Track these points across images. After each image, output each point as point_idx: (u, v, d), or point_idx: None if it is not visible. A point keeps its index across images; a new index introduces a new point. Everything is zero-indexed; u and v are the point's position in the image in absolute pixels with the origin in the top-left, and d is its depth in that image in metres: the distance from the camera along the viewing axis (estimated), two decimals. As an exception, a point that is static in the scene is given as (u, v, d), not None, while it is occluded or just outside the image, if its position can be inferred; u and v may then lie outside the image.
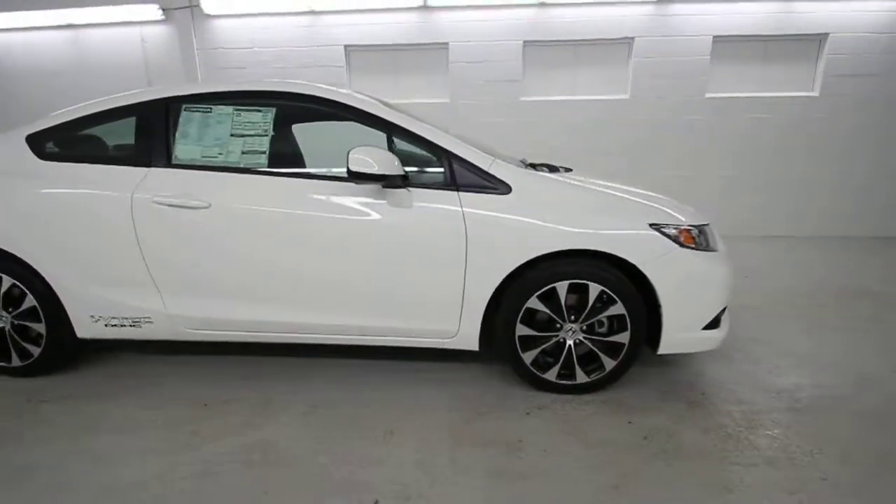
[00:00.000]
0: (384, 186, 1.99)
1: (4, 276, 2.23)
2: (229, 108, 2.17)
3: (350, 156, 1.88)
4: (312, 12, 5.35)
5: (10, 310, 2.28)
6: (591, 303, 2.03)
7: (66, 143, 2.31)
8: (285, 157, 2.40)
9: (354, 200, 2.03)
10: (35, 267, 2.18)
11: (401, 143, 2.18)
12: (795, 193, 5.44)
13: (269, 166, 2.12)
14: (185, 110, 2.18)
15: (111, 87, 5.63)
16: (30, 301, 2.24)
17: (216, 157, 2.14)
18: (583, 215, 2.01)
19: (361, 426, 1.96)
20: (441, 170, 2.06)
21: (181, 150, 2.15)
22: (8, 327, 2.30)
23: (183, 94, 2.20)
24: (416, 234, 2.02)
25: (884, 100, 5.07)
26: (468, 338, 2.12)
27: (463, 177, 2.03)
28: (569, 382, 2.14)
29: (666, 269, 1.98)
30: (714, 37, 5.10)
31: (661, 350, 2.08)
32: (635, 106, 5.36)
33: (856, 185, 5.36)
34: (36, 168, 2.21)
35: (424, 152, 2.11)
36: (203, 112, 2.18)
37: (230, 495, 1.59)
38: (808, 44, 5.13)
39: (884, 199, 5.38)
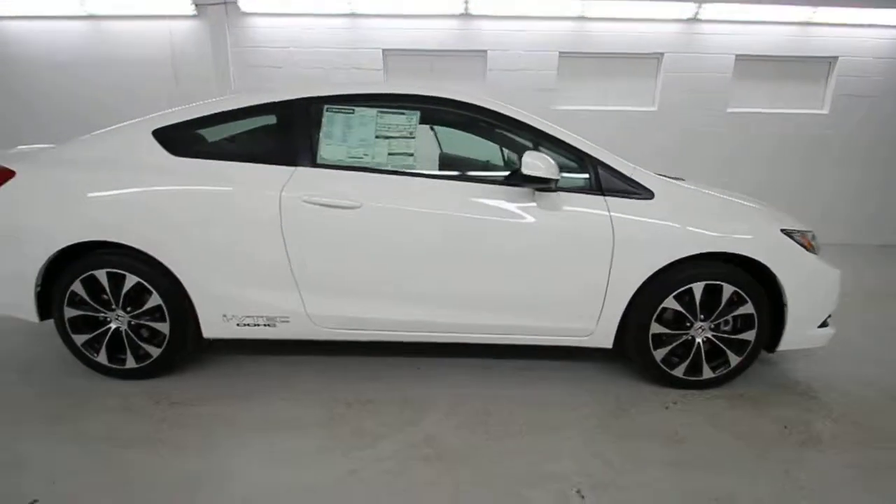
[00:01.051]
0: (538, 190, 2.07)
1: (128, 275, 2.15)
2: (372, 111, 2.19)
3: (524, 160, 1.95)
4: (353, 15, 5.34)
5: (129, 309, 2.21)
6: (723, 303, 2.17)
7: (196, 139, 2.27)
8: (429, 159, 2.43)
9: (507, 203, 2.09)
10: (167, 265, 2.13)
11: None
12: (807, 203, 5.84)
13: (416, 168, 2.16)
14: (327, 111, 2.19)
15: (134, 80, 5.50)
16: (154, 300, 2.18)
17: (362, 157, 2.16)
18: (719, 221, 2.15)
19: (514, 422, 2.02)
20: (585, 175, 2.16)
21: (326, 151, 2.16)
22: (125, 327, 2.23)
23: (324, 94, 2.21)
24: (565, 236, 2.11)
25: (885, 119, 5.54)
26: (604, 336, 2.22)
27: (609, 182, 2.13)
28: (694, 378, 2.27)
29: (793, 271, 2.15)
30: (736, 55, 5.43)
31: (782, 347, 2.24)
32: (663, 118, 5.63)
33: (861, 197, 5.81)
34: (168, 164, 2.16)
35: (565, 158, 2.20)
36: (346, 113, 2.19)
37: (430, 490, 1.62)
38: (820, 65, 5.54)
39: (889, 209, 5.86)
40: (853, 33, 5.33)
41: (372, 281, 2.16)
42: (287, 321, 2.21)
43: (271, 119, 2.23)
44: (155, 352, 2.25)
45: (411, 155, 2.16)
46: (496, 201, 2.10)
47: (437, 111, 2.29)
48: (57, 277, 2.19)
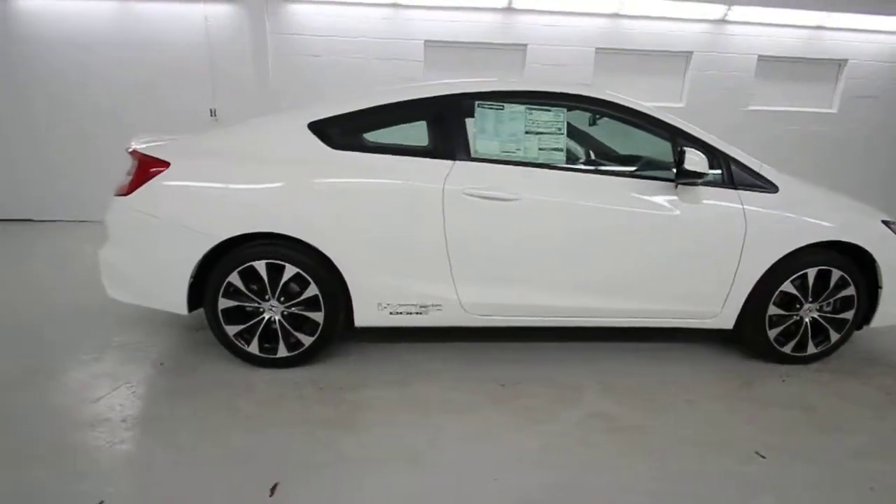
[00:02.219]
0: (684, 184, 2.25)
1: (288, 265, 2.20)
2: (521, 107, 2.30)
3: (688, 156, 2.11)
4: (395, 5, 5.34)
5: (282, 299, 2.25)
6: (831, 286, 2.42)
7: (352, 132, 2.31)
8: (575, 154, 2.55)
9: (654, 197, 2.26)
10: (329, 255, 2.19)
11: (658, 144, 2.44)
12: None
13: (565, 163, 2.29)
14: (478, 107, 2.28)
15: (168, 64, 5.32)
16: (311, 290, 2.23)
17: (515, 152, 2.27)
18: (832, 212, 2.40)
19: (663, 397, 2.21)
20: (718, 171, 2.34)
21: (481, 145, 2.26)
22: (278, 317, 2.27)
23: (476, 91, 2.30)
24: (704, 226, 2.30)
25: (889, 118, 6.04)
26: (726, 318, 2.44)
27: (740, 177, 2.33)
28: (800, 354, 2.52)
29: (889, 257, 2.42)
30: (759, 56, 5.78)
31: (874, 323, 2.52)
32: (689, 114, 5.85)
33: (864, 192, 6.31)
34: (327, 157, 2.21)
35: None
36: (496, 109, 2.29)
37: (630, 456, 1.79)
38: (830, 67, 5.97)
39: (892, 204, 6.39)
40: (861, 38, 5.76)
41: (523, 270, 2.29)
42: (440, 309, 2.31)
43: (426, 114, 2.30)
44: (307, 340, 2.30)
45: (561, 150, 2.29)
46: (643, 195, 2.26)
47: (579, 108, 2.41)
48: (209, 269, 2.21)
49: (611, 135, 2.57)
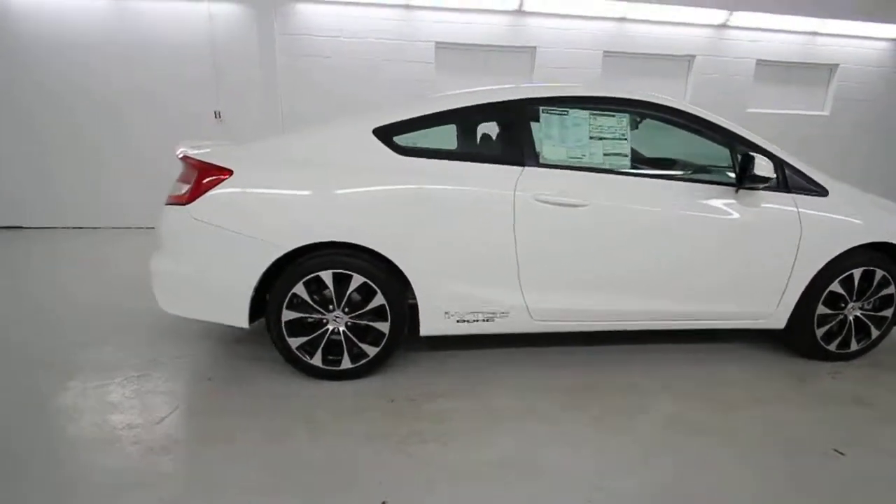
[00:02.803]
0: (743, 189, 2.29)
1: (355, 275, 2.14)
2: (585, 112, 2.30)
3: (757, 162, 2.15)
4: (406, 6, 5.29)
5: (346, 310, 2.20)
6: (874, 285, 2.52)
7: (417, 138, 2.27)
8: (637, 159, 2.56)
9: (715, 201, 2.30)
10: (398, 264, 2.14)
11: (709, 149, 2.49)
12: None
13: (614, 168, 2.30)
14: (543, 112, 2.27)
15: (170, 65, 5.13)
16: (378, 300, 2.18)
17: (580, 157, 2.27)
18: (879, 215, 2.49)
19: (729, 398, 2.25)
20: (773, 175, 2.39)
21: (548, 151, 2.25)
22: (342, 328, 2.21)
23: (541, 96, 2.29)
24: (763, 229, 2.35)
25: (877, 120, 6.34)
26: (779, 318, 2.50)
27: (794, 181, 2.39)
28: (843, 351, 2.61)
29: (926, 257, 2.54)
30: (757, 60, 5.98)
31: (910, 320, 2.64)
32: (692, 116, 6.07)
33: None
34: (394, 163, 2.16)
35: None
36: (560, 115, 2.29)
37: (716, 453, 1.82)
38: (823, 71, 6.22)
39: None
40: (852, 44, 6.03)
41: (589, 275, 2.30)
42: (506, 316, 2.29)
43: (492, 119, 2.28)
44: (372, 351, 2.25)
45: (626, 155, 2.30)
46: (705, 199, 2.30)
47: (641, 113, 2.43)
48: (272, 280, 2.13)
49: (650, 139, 2.61)
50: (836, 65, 6.13)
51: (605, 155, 2.29)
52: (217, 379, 2.30)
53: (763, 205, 2.34)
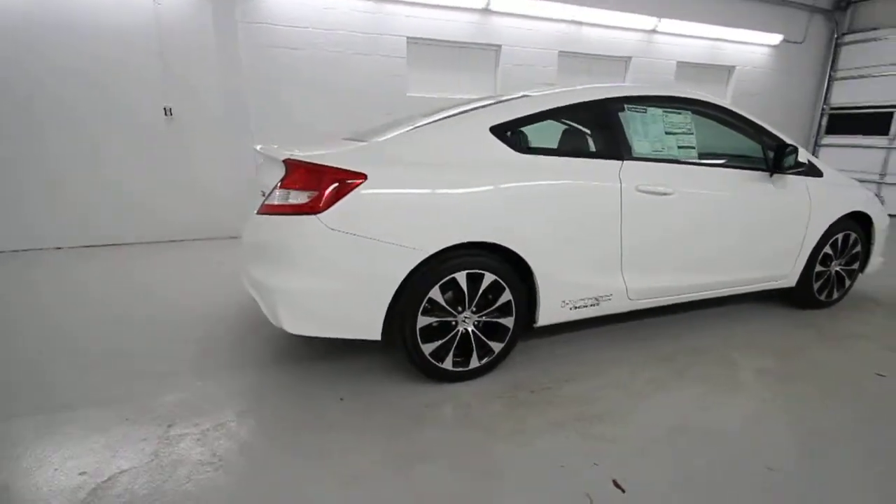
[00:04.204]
0: (776, 173, 2.75)
1: (486, 273, 2.15)
2: (659, 110, 2.56)
3: (800, 151, 2.58)
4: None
5: (474, 310, 2.20)
6: (849, 245, 3.19)
7: (527, 135, 2.31)
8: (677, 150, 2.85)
9: (759, 184, 2.73)
10: (526, 259, 2.20)
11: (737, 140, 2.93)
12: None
13: (687, 159, 2.61)
14: (628, 110, 2.48)
15: (103, 52, 4.41)
16: (505, 296, 2.22)
17: (662, 151, 2.53)
18: (855, 190, 3.14)
19: (778, 348, 2.70)
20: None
21: (637, 145, 2.46)
22: (471, 328, 2.21)
23: (626, 95, 2.50)
24: (789, 205, 2.85)
25: (765, 111, 7.68)
26: (793, 278, 3.05)
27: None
28: (829, 300, 3.27)
29: (879, 221, 3.24)
30: (678, 62, 6.89)
31: (867, 271, 3.37)
32: (630, 110, 6.80)
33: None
34: (514, 161, 2.20)
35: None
36: (640, 112, 2.52)
37: (800, 397, 2.22)
38: (723, 72, 7.38)
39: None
40: (746, 49, 7.25)
41: (675, 255, 2.58)
42: (609, 298, 2.48)
43: (593, 115, 2.42)
44: (497, 347, 2.29)
45: (694, 148, 2.61)
46: (753, 183, 2.72)
47: (694, 111, 2.75)
48: (406, 285, 2.05)
49: (714, 133, 2.99)
50: (734, 66, 7.33)
51: (679, 147, 2.58)
52: (349, 398, 2.14)
53: (788, 186, 2.84)
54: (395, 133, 2.23)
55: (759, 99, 7.55)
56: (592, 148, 2.42)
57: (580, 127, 2.46)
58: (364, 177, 1.93)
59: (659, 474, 1.69)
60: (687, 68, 7.06)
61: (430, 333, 2.14)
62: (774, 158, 2.74)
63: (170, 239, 4.98)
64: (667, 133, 2.57)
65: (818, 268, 3.12)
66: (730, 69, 7.38)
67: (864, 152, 7.39)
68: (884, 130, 7.25)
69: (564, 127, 2.47)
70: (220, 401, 2.10)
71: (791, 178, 2.86)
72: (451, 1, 5.39)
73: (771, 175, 2.78)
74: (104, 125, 4.55)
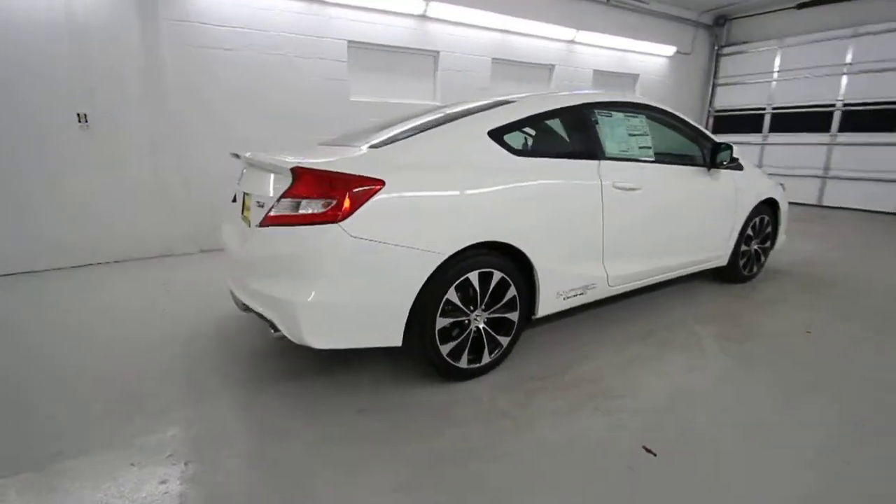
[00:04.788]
0: (713, 168, 3.18)
1: (495, 272, 2.25)
2: (621, 114, 2.85)
3: (734, 150, 3.01)
4: (318, 1, 4.99)
5: (483, 307, 2.29)
6: (764, 226, 3.78)
7: (518, 138, 2.43)
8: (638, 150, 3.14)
9: (701, 178, 3.14)
10: (529, 256, 2.34)
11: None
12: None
13: (646, 158, 2.94)
14: (598, 114, 2.73)
15: (17, 53, 3.86)
16: (511, 292, 2.34)
17: (626, 150, 2.81)
18: (766, 180, 3.73)
19: (727, 315, 3.15)
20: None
21: (608, 146, 2.72)
22: (482, 325, 2.30)
23: (598, 100, 2.76)
24: (723, 195, 3.31)
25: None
26: (725, 257, 3.54)
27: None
28: (750, 274, 3.84)
29: (783, 205, 3.90)
30: (594, 70, 7.55)
31: (776, 247, 4.02)
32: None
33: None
34: (510, 163, 2.33)
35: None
36: (608, 116, 2.78)
37: (754, 354, 2.63)
38: (630, 79, 8.22)
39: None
40: (647, 59, 8.14)
41: (644, 243, 2.89)
42: (594, 287, 2.70)
43: (570, 120, 2.62)
44: (505, 341, 2.40)
45: (650, 148, 2.94)
46: (696, 177, 3.13)
47: (648, 115, 3.08)
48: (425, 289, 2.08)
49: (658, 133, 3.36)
50: (638, 74, 8.21)
51: (639, 148, 2.89)
52: (369, 410, 2.11)
53: (720, 179, 3.30)
54: (386, 137, 2.26)
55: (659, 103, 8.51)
56: (575, 149, 2.63)
57: (564, 130, 2.66)
58: (382, 183, 1.94)
59: (675, 434, 1.92)
60: (601, 76, 7.76)
61: (445, 334, 2.19)
62: (711, 155, 3.18)
63: (88, 262, 4.41)
64: (629, 135, 2.87)
65: (743, 247, 3.66)
66: (635, 77, 8.24)
67: (745, 149, 8.67)
68: (758, 129, 8.59)
69: (549, 130, 2.65)
70: (232, 427, 1.97)
71: (723, 172, 3.33)
72: (390, 6, 5.41)
73: (709, 170, 3.22)
74: (6, 134, 3.91)
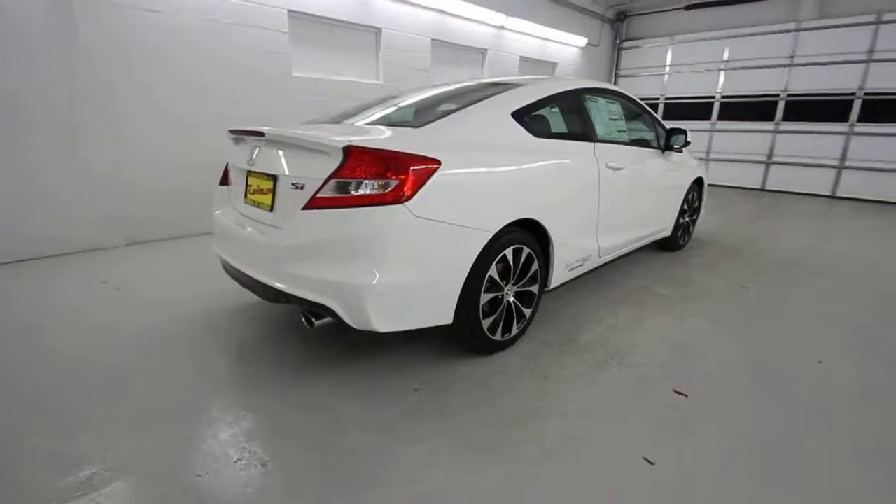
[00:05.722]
0: (666, 150, 3.63)
1: (524, 248, 2.38)
2: (603, 100, 3.11)
3: (688, 135, 3.45)
4: (254, -36, 4.53)
5: (513, 281, 2.42)
6: (693, 200, 4.41)
7: (536, 120, 2.54)
8: (617, 133, 3.42)
9: (658, 159, 3.57)
10: (549, 232, 2.50)
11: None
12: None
13: (624, 140, 3.26)
14: (588, 99, 2.95)
15: None
16: (534, 266, 2.49)
17: (610, 133, 3.10)
18: (695, 161, 4.32)
19: (678, 278, 3.66)
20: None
21: (598, 129, 2.96)
22: (511, 298, 2.43)
23: (587, 86, 2.98)
24: (673, 173, 3.80)
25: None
26: (669, 229, 4.08)
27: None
28: (684, 243, 4.48)
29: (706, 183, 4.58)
30: (520, 57, 7.90)
31: (700, 219, 4.72)
32: (489, 98, 7.55)
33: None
34: (531, 143, 2.46)
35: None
36: (594, 102, 3.02)
37: (708, 308, 3.14)
38: (549, 67, 8.75)
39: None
40: (564, 48, 8.73)
41: (626, 217, 3.23)
42: (590, 258, 2.97)
43: (571, 103, 2.80)
44: (527, 312, 2.56)
45: (626, 131, 3.26)
46: (655, 158, 3.55)
47: (618, 101, 3.38)
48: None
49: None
50: (556, 63, 8.78)
51: (618, 131, 3.20)
52: (424, 389, 2.13)
53: (671, 160, 3.78)
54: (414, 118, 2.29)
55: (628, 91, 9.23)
56: (576, 131, 2.84)
57: (567, 113, 2.84)
58: (438, 162, 1.94)
59: (696, 377, 2.25)
60: (526, 62, 8.17)
61: (484, 310, 2.27)
62: (666, 139, 3.63)
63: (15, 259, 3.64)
64: (610, 119, 3.16)
65: (679, 220, 4.24)
66: (554, 65, 8.81)
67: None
68: (653, 117, 9.76)
69: (557, 113, 2.81)
70: (297, 422, 1.87)
71: (673, 155, 3.82)
72: (331, -23, 5.11)
73: (663, 152, 3.67)
74: None
